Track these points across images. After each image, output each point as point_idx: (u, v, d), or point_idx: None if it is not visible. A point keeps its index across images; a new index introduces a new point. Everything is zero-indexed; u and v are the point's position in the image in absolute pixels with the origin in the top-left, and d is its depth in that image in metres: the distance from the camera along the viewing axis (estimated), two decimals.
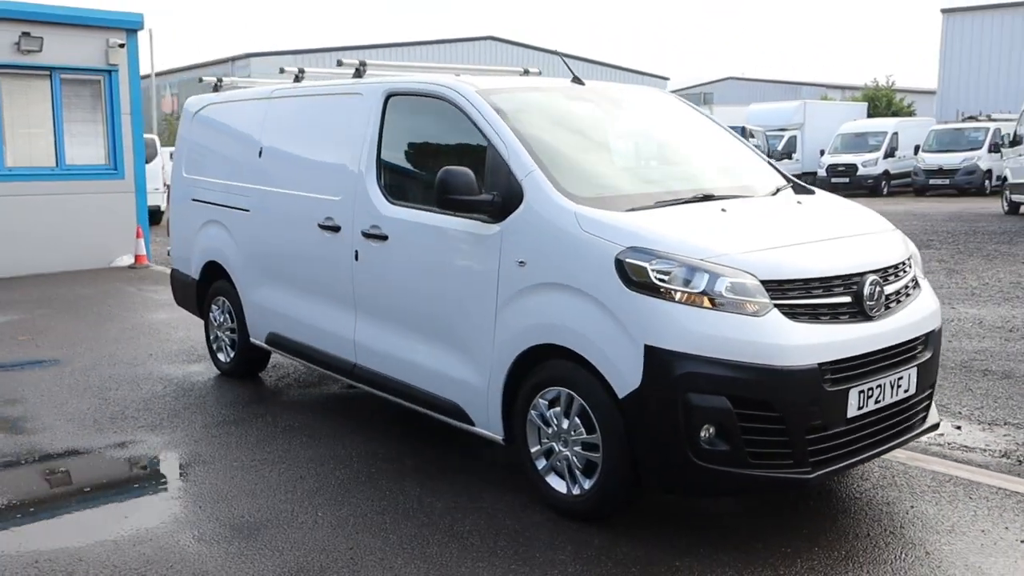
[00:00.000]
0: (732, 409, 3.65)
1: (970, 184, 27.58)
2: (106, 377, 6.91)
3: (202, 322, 8.33)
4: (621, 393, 3.83)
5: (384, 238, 5.02)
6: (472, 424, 4.63)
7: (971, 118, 29.75)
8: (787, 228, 4.31)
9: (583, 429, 4.06)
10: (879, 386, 3.97)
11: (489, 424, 4.53)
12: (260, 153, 6.23)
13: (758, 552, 3.84)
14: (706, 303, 3.71)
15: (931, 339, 4.35)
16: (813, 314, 3.84)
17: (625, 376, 3.80)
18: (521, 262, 4.23)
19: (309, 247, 5.65)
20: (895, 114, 38.87)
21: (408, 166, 5.30)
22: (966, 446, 5.29)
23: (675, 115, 5.45)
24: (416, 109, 5.13)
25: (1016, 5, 33.87)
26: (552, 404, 4.21)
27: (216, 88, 7.30)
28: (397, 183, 5.18)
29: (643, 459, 3.85)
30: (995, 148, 27.62)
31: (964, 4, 35.43)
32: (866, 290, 3.98)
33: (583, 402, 4.03)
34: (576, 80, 5.30)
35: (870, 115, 37.11)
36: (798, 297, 3.83)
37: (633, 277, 3.79)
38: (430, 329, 4.80)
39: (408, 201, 5.03)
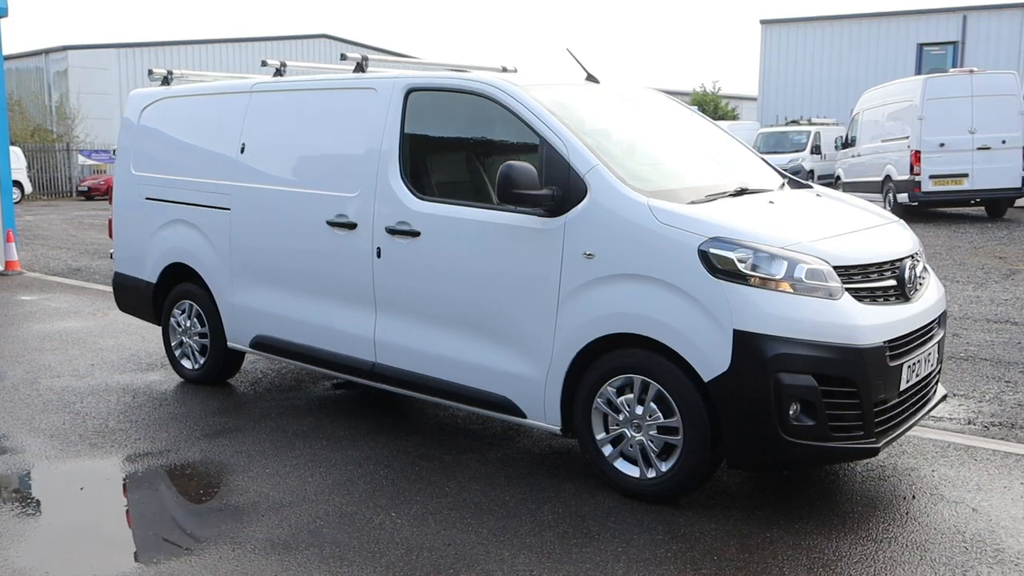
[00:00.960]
0: (817, 386, 3.92)
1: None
2: (59, 390, 6.42)
3: (138, 329, 7.92)
4: (707, 377, 4.02)
5: (415, 234, 4.98)
6: (523, 417, 4.69)
7: (793, 122, 32.03)
8: (828, 219, 4.66)
9: (660, 414, 4.23)
10: (918, 361, 4.37)
11: (545, 416, 4.60)
12: (243, 149, 5.99)
13: (832, 519, 4.14)
14: (787, 288, 3.96)
15: (943, 319, 4.81)
16: (871, 297, 4.18)
17: (712, 361, 4.00)
18: (589, 254, 4.33)
19: (313, 245, 5.50)
20: (721, 118, 41.23)
21: (439, 162, 5.28)
22: (933, 416, 5.83)
23: (680, 114, 5.70)
24: (444, 105, 5.13)
25: (830, 18, 36.76)
26: (621, 391, 4.35)
27: (166, 81, 6.92)
28: (427, 179, 5.15)
29: (732, 438, 4.05)
30: (816, 150, 29.98)
31: (782, 16, 38.17)
32: (906, 274, 4.37)
33: (660, 388, 4.19)
34: (590, 78, 5.45)
35: None
36: (860, 281, 4.16)
37: (718, 266, 3.99)
38: (474, 324, 4.81)
39: (442, 196, 5.02)
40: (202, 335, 6.46)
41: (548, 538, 3.97)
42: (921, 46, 35.42)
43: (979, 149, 17.12)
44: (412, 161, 5.15)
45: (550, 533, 4.02)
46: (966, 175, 17.24)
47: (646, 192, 4.34)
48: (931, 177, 17.37)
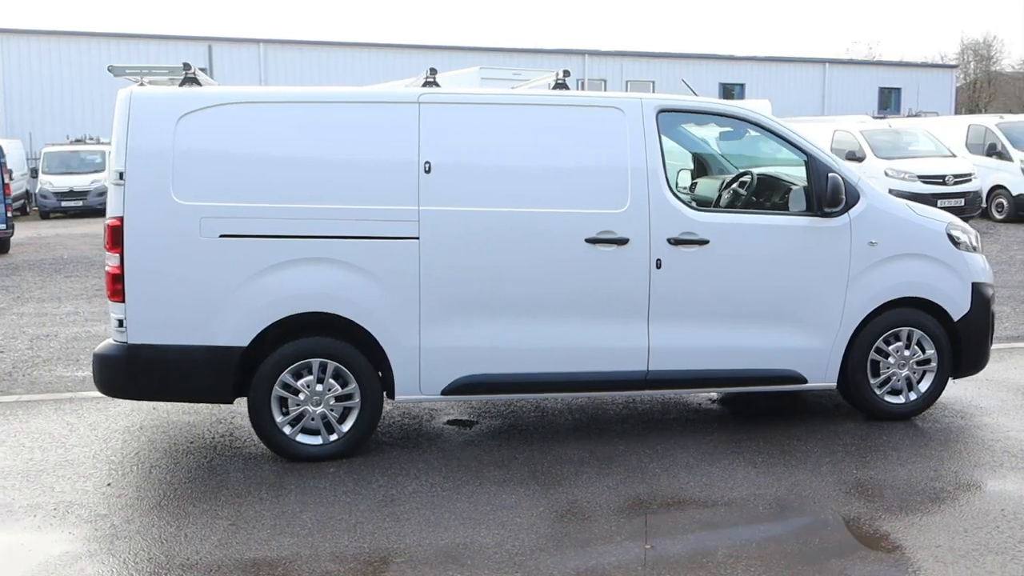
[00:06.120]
0: (994, 312, 6.19)
1: (102, 205, 28.53)
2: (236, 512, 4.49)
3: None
4: (956, 317, 5.91)
5: (703, 242, 5.49)
6: (804, 383, 5.77)
7: (79, 141, 30.47)
8: None
9: (920, 352, 5.92)
10: None
11: (825, 377, 5.80)
12: (428, 168, 5.20)
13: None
14: (974, 251, 6.11)
15: None
16: None
17: (959, 306, 5.91)
18: (872, 243, 5.73)
19: (566, 265, 5.35)
20: None
21: (710, 176, 5.71)
22: None
23: None
24: (693, 124, 5.66)
25: (70, 34, 35.29)
26: (887, 342, 5.87)
27: (192, 81, 5.16)
28: (698, 191, 5.61)
29: (968, 357, 5.99)
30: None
31: (21, 27, 35.00)
32: None
33: (922, 332, 5.89)
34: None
35: None
36: None
37: (957, 241, 5.92)
38: (764, 314, 5.63)
39: (721, 207, 5.64)
40: (343, 397, 5.23)
41: (857, 461, 5.40)
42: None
43: None
44: (677, 175, 5.56)
45: (873, 455, 5.43)
46: None
47: None
48: None
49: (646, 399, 6.46)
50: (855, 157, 18.00)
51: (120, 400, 6.31)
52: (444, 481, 4.93)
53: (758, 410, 6.31)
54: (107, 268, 5.07)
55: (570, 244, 5.35)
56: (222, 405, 6.05)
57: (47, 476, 5.03)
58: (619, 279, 5.42)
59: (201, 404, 6.12)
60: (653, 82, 42.89)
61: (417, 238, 5.21)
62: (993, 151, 19.21)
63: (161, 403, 6.19)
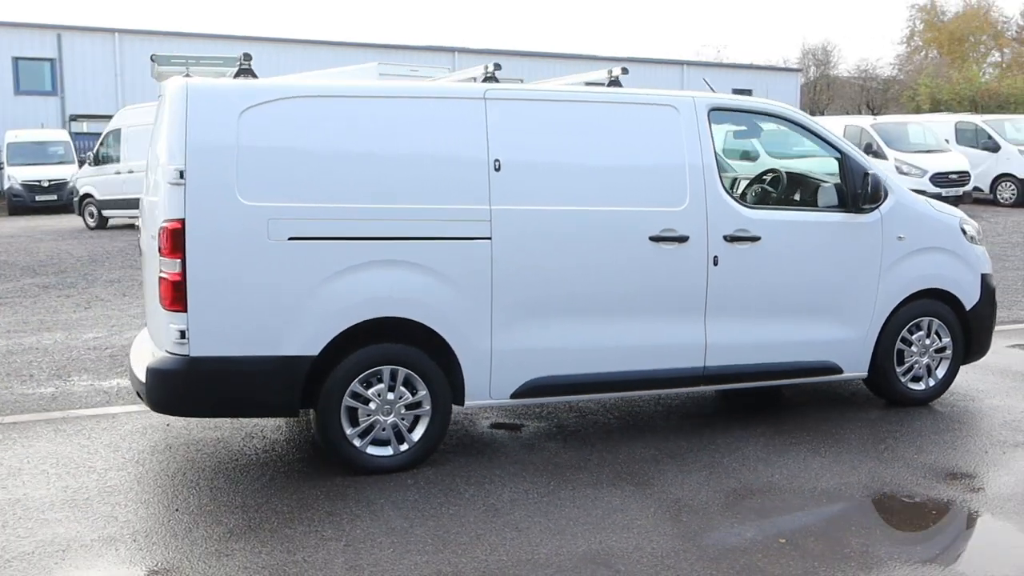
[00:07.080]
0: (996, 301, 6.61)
1: None
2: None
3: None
4: (968, 306, 6.26)
5: (755, 239, 5.59)
6: (839, 372, 5.98)
7: None
8: None
9: (938, 340, 6.23)
10: None
11: (858, 366, 6.03)
12: (498, 167, 5.05)
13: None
14: (978, 243, 6.50)
15: None
16: None
17: (971, 295, 6.27)
18: (900, 237, 6.00)
19: (631, 263, 5.33)
20: None
21: (754, 173, 5.76)
22: None
23: None
24: (742, 124, 5.74)
25: None
26: (910, 332, 6.15)
27: (248, 72, 4.80)
28: (747, 188, 5.68)
29: (977, 343, 6.36)
30: None
31: None
32: None
33: (940, 322, 6.21)
34: None
35: None
36: None
37: (968, 235, 6.28)
38: (808, 308, 5.79)
39: (769, 204, 5.76)
40: (412, 405, 5.01)
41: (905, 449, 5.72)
42: (16, 60, 34.37)
43: None
44: (728, 173, 5.63)
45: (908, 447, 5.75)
46: None
47: None
48: None
49: (672, 395, 6.51)
50: (748, 157, 18.78)
51: (129, 419, 5.90)
52: (535, 487, 4.80)
53: (768, 401, 6.47)
54: (164, 275, 4.65)
55: (635, 242, 5.32)
56: (242, 419, 5.77)
57: (98, 504, 4.57)
58: (679, 276, 5.44)
59: (220, 419, 5.74)
60: (522, 79, 43.19)
61: (489, 238, 5.05)
62: (869, 150, 20.45)
63: (176, 419, 5.75)
